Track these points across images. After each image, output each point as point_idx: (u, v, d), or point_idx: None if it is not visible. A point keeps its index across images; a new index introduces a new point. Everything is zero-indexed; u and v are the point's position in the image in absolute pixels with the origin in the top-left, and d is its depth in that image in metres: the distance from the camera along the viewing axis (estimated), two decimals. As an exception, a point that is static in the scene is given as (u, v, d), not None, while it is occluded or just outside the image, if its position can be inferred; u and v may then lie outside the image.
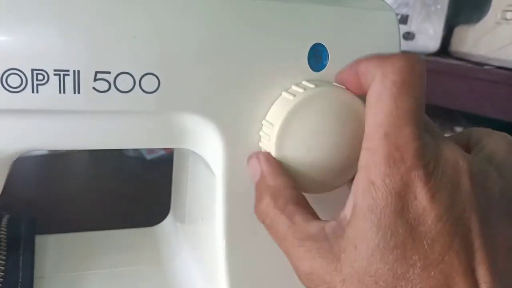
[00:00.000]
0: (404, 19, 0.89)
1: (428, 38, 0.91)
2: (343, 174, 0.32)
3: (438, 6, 0.90)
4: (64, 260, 0.42)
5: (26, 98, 0.27)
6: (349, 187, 0.29)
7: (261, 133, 0.32)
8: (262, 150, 0.32)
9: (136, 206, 0.62)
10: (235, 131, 0.32)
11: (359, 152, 0.32)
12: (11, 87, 0.27)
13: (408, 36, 0.90)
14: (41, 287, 0.38)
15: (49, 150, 0.74)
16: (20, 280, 0.38)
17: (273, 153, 0.31)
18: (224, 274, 0.33)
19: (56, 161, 0.75)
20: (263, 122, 0.32)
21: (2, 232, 0.43)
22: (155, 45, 0.29)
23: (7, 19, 0.26)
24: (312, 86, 0.31)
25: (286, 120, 0.30)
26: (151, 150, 0.83)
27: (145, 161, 0.82)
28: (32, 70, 0.27)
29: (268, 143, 0.31)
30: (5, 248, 0.41)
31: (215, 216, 0.34)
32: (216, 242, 0.34)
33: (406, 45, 0.89)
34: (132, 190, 0.69)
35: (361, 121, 0.31)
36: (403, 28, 0.90)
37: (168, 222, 0.48)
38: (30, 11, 0.26)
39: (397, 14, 0.36)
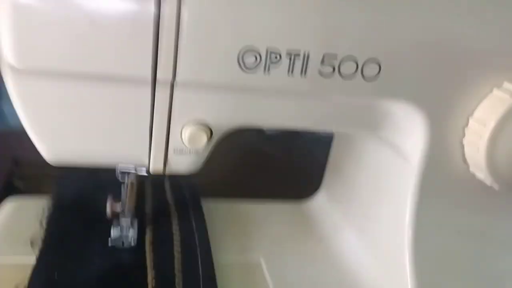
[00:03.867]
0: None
1: None
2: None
3: None
4: (226, 227, 0.44)
5: (257, 78, 0.28)
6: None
7: (467, 130, 0.31)
8: (466, 147, 0.31)
9: (259, 178, 0.63)
10: (441, 123, 0.31)
11: None
12: (246, 66, 0.27)
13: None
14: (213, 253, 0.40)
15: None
16: (198, 246, 0.39)
17: (483, 153, 0.30)
18: (408, 262, 0.33)
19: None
20: (470, 119, 0.31)
21: (168, 196, 0.46)
22: (383, 32, 0.28)
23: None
24: None
25: (501, 121, 0.29)
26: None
27: (262, 135, 0.83)
28: (268, 49, 0.27)
29: (479, 142, 0.30)
30: (176, 213, 0.44)
31: (401, 204, 0.34)
32: (399, 229, 0.34)
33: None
34: (251, 163, 0.70)
35: None
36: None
37: (317, 200, 0.49)
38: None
39: None
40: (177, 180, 0.48)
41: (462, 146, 0.32)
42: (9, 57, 0.24)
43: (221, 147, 0.34)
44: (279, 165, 0.67)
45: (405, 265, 0.33)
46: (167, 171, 0.32)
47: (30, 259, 0.35)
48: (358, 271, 0.39)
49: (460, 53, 0.30)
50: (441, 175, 0.32)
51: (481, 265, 0.35)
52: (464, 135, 0.31)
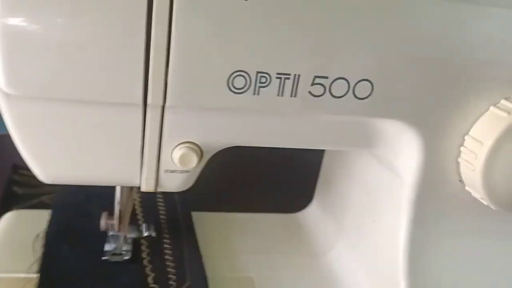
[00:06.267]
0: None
1: None
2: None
3: None
4: (217, 241, 0.44)
5: (246, 99, 0.27)
6: None
7: (462, 148, 0.31)
8: (462, 166, 0.31)
9: (248, 191, 0.62)
10: (436, 141, 0.31)
11: None
12: (236, 88, 0.27)
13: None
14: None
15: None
16: (188, 262, 0.40)
17: (479, 173, 0.29)
18: (403, 282, 0.33)
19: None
20: (466, 137, 0.31)
21: (160, 211, 0.46)
22: (375, 52, 0.28)
23: (241, 24, 0.26)
24: None
25: (498, 140, 0.28)
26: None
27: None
28: (257, 72, 0.27)
29: (474, 161, 0.30)
30: (167, 229, 0.44)
31: (395, 222, 0.33)
32: (394, 247, 0.33)
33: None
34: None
35: None
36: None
37: (310, 212, 0.48)
38: (261, 17, 0.26)
39: None
40: (169, 193, 0.48)
41: (458, 164, 0.31)
42: (1, 83, 0.24)
43: (209, 160, 0.34)
44: (269, 177, 0.67)
45: (400, 282, 0.33)
46: (159, 189, 0.32)
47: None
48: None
49: (455, 70, 0.29)
50: (436, 193, 0.32)
51: None
52: (459, 153, 0.31)
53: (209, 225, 0.45)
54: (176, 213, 0.46)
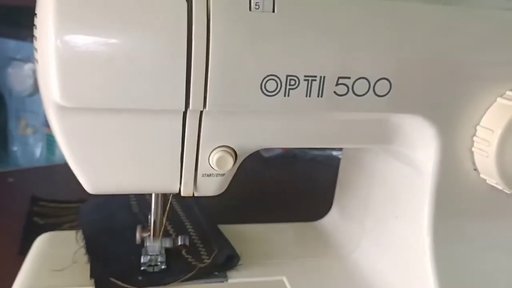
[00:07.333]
0: None
1: None
2: None
3: None
4: (244, 249, 0.45)
5: (278, 101, 0.30)
6: None
7: (475, 138, 0.34)
8: (476, 154, 0.34)
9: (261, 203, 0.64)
10: (451, 133, 0.33)
11: None
12: (268, 91, 0.30)
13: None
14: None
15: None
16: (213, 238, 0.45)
17: (492, 158, 0.32)
18: (430, 269, 0.35)
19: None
20: (478, 127, 0.33)
21: (184, 221, 0.48)
22: (393, 52, 0.31)
23: (270, 34, 0.29)
24: None
25: (508, 126, 0.31)
26: (268, 149, 0.86)
27: (262, 159, 0.85)
28: (287, 76, 0.30)
29: (487, 148, 0.32)
30: (197, 237, 0.46)
31: (417, 214, 0.36)
32: (418, 238, 0.36)
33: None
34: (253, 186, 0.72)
35: None
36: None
37: (330, 218, 0.50)
38: (288, 26, 0.29)
39: None
40: (188, 203, 0.51)
41: (472, 154, 0.34)
42: (56, 96, 0.27)
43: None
44: (283, 189, 0.69)
45: (427, 270, 0.35)
46: (196, 194, 0.34)
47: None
48: (380, 283, 0.41)
49: (464, 67, 0.32)
50: (453, 183, 0.35)
51: (500, 270, 0.36)
52: (472, 143, 0.34)
53: (233, 236, 0.47)
54: (201, 223, 0.48)
